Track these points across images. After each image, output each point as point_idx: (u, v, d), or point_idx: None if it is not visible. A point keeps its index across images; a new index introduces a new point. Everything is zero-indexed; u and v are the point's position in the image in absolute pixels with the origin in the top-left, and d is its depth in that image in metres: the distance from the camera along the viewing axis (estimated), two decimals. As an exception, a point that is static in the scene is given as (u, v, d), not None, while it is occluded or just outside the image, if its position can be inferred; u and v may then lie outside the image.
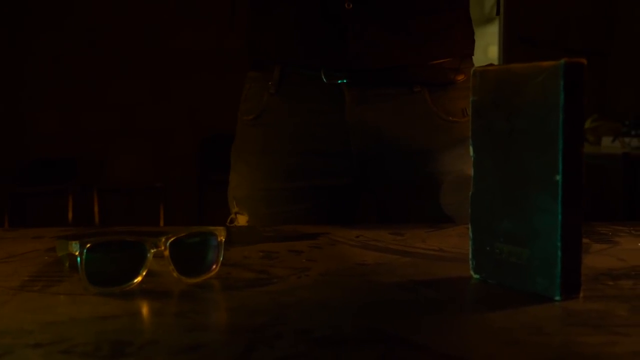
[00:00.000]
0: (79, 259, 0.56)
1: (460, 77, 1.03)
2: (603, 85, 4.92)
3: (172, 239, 0.59)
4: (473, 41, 1.08)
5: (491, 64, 0.62)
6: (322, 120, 1.02)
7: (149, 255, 0.58)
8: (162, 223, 5.03)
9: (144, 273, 0.58)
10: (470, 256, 0.62)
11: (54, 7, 5.15)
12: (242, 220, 1.06)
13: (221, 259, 0.62)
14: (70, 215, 4.94)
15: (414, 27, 1.00)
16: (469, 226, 0.62)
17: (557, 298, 0.53)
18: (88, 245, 0.56)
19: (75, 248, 0.56)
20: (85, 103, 5.21)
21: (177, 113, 5.23)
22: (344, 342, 0.45)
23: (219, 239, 0.62)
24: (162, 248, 0.58)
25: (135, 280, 0.58)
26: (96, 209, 5.02)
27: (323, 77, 1.00)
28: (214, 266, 0.62)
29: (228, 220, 1.08)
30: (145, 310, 0.54)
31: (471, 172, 0.99)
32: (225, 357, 0.42)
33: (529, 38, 4.86)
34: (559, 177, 0.53)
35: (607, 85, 4.94)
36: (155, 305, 0.56)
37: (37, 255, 0.75)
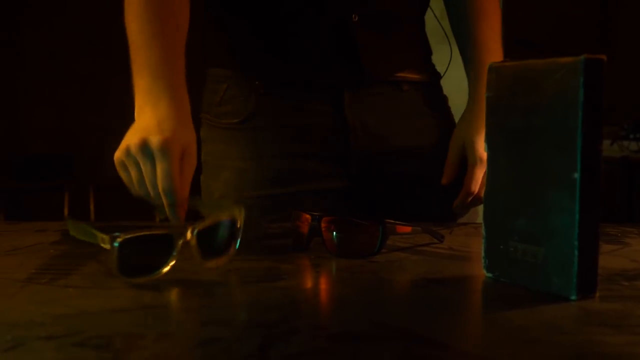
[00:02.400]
0: (113, 251, 0.57)
1: (437, 77, 1.12)
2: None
3: (199, 229, 0.61)
4: (430, 49, 1.14)
5: (507, 59, 0.62)
6: (320, 121, 1.01)
7: (177, 245, 0.60)
8: (157, 218, 5.01)
9: (172, 263, 0.59)
10: (483, 254, 0.61)
11: (51, 3, 5.13)
12: None
13: (239, 240, 0.66)
14: (66, 211, 4.92)
15: (403, 35, 1.06)
16: (482, 224, 0.61)
17: (573, 297, 0.53)
18: (120, 239, 0.57)
19: (107, 241, 0.58)
20: (81, 100, 5.19)
21: (174, 110, 5.21)
22: (362, 339, 0.44)
23: (238, 225, 0.66)
24: (189, 238, 0.60)
25: (164, 270, 0.59)
26: (92, 206, 5.00)
27: (322, 79, 1.02)
28: (232, 249, 0.65)
29: None
30: (157, 303, 0.53)
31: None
32: (241, 352, 0.41)
33: (526, 40, 4.86)
34: (577, 175, 0.52)
35: (605, 88, 4.95)
36: (167, 298, 0.55)
37: (42, 248, 0.74)
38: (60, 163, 5.04)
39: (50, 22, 5.13)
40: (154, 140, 0.73)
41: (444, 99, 1.13)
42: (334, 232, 0.70)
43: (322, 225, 0.70)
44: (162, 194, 0.73)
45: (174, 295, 0.56)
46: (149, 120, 0.77)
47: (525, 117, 0.57)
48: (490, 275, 0.61)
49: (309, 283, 0.61)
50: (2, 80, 5.06)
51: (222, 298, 0.56)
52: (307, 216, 0.72)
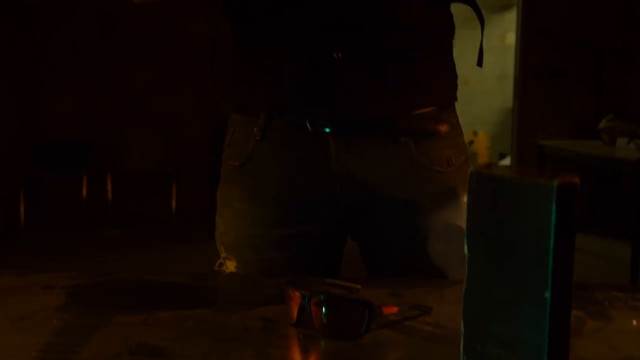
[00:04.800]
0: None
1: (444, 128, 1.03)
2: (620, 85, 4.87)
3: None
4: (455, 87, 1.09)
5: (490, 164, 0.63)
6: (308, 168, 1.02)
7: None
8: (173, 207, 5.08)
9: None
10: (461, 351, 0.64)
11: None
12: (230, 265, 1.08)
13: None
14: (84, 198, 5.01)
15: (398, 76, 0.99)
16: (462, 320, 0.64)
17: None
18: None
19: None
20: (100, 88, 5.24)
21: (189, 100, 5.25)
22: None
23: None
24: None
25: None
26: (109, 194, 5.07)
27: (308, 125, 0.99)
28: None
29: (217, 264, 1.10)
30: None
31: (459, 221, 1.01)
32: None
33: (546, 32, 4.80)
34: (547, 295, 0.54)
35: (624, 84, 4.89)
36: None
37: (46, 317, 0.78)
38: (78, 151, 5.11)
39: (69, 11, 5.16)
40: None
41: (459, 147, 1.06)
42: (322, 312, 0.72)
43: (312, 304, 0.73)
44: None
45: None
46: None
47: (502, 229, 0.59)
48: (468, 371, 0.63)
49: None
50: (22, 69, 5.12)
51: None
52: (298, 294, 0.75)
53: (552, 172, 0.57)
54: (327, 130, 0.99)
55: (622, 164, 3.72)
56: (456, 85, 1.09)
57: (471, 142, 8.35)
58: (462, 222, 1.03)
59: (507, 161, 7.42)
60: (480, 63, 1.10)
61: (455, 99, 1.09)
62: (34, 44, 5.17)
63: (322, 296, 0.73)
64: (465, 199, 1.05)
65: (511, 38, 7.63)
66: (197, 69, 5.21)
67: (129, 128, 5.21)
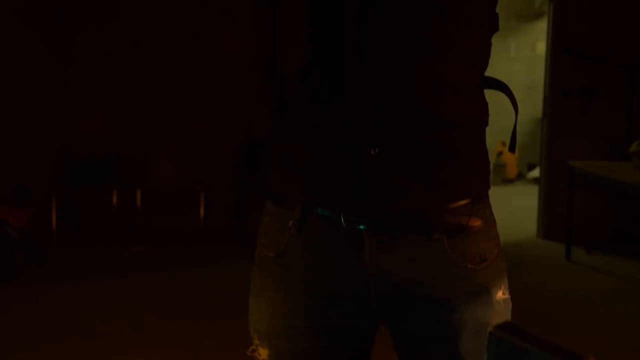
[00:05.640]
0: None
1: (477, 222, 1.02)
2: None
3: None
4: (489, 176, 1.07)
5: (509, 325, 0.63)
6: (341, 264, 1.02)
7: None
8: (202, 222, 5.12)
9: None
10: None
11: (100, 9, 5.24)
12: (263, 353, 1.09)
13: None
14: (114, 214, 5.08)
15: (434, 171, 0.98)
16: None
17: None
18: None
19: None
20: (129, 104, 5.32)
21: (218, 116, 5.30)
22: None
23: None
24: None
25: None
26: (139, 209, 5.14)
27: (342, 221, 1.00)
28: None
29: (249, 350, 1.12)
30: None
31: (491, 320, 1.01)
32: None
33: (576, 50, 4.73)
34: None
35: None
36: None
37: None
38: (109, 167, 5.18)
39: (98, 27, 5.24)
40: None
41: (492, 240, 1.05)
42: None
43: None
44: None
45: None
46: None
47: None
48: None
49: None
50: (53, 86, 5.21)
51: None
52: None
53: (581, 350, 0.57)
54: (362, 227, 0.99)
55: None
56: (489, 173, 1.08)
57: (500, 154, 8.29)
58: (494, 320, 1.03)
59: (536, 172, 7.33)
60: (512, 149, 1.10)
61: (489, 188, 1.08)
62: (64, 61, 5.26)
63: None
64: (497, 295, 1.06)
65: (541, 47, 7.54)
66: (225, 85, 5.27)
67: (157, 144, 5.27)
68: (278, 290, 1.07)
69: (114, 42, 5.24)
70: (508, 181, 8.29)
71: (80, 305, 3.54)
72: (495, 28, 1.05)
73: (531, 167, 8.30)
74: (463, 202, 1.02)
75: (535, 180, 5.82)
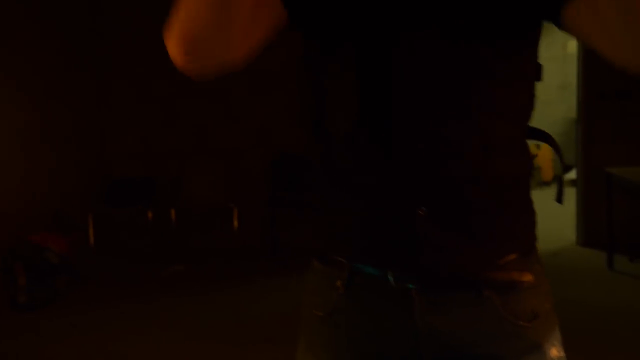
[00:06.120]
0: None
1: (528, 278, 1.00)
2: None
3: None
4: (535, 228, 1.05)
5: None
6: (391, 324, 1.01)
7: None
8: (236, 239, 5.16)
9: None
10: None
11: (133, 29, 5.30)
12: None
13: None
14: (149, 234, 5.13)
15: (483, 227, 0.97)
16: None
17: None
18: None
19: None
20: (160, 124, 5.37)
21: (248, 132, 5.32)
22: None
23: None
24: None
25: None
26: (174, 229, 5.18)
27: (391, 280, 0.98)
28: None
29: None
30: None
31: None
32: None
33: (606, 93, 4.65)
34: None
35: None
36: None
37: None
38: (143, 188, 5.24)
39: (132, 47, 5.31)
40: None
41: (544, 295, 1.03)
42: None
43: None
44: None
45: None
46: None
47: None
48: None
49: None
50: (86, 109, 5.28)
51: None
52: None
53: None
54: (411, 286, 0.98)
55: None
56: (536, 225, 1.06)
57: (534, 156, 8.18)
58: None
59: (572, 174, 7.21)
60: (560, 199, 1.08)
61: (536, 239, 1.06)
62: (98, 84, 5.33)
63: None
64: (552, 353, 1.03)
65: (572, 46, 7.42)
66: (256, 101, 5.29)
67: (190, 162, 5.32)
68: (326, 350, 1.06)
69: (144, 62, 5.29)
70: (544, 184, 8.17)
71: (120, 329, 3.58)
72: (538, 78, 1.03)
73: (567, 169, 8.17)
74: (512, 258, 1.00)
75: (572, 182, 5.70)
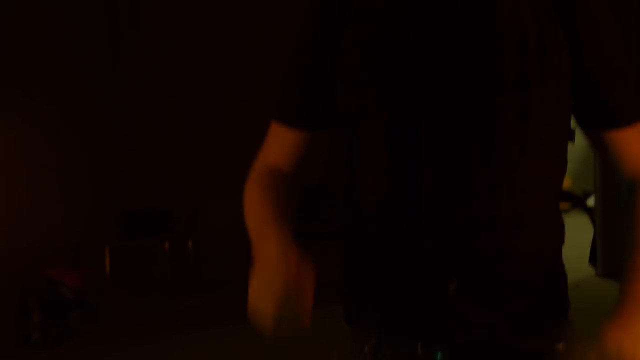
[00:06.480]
0: None
1: (559, 346, 0.99)
2: None
3: None
4: (567, 293, 1.04)
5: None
6: None
7: None
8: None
9: None
10: None
11: (151, 60, 5.36)
12: None
13: None
14: (166, 266, 5.13)
15: (514, 303, 0.97)
16: None
17: None
18: None
19: None
20: (176, 154, 5.40)
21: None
22: None
23: None
24: None
25: None
26: (191, 261, 5.18)
27: (419, 350, 0.99)
28: None
29: None
30: None
31: None
32: None
33: None
34: None
35: None
36: None
37: None
38: (160, 218, 5.26)
39: (149, 78, 5.36)
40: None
41: None
42: None
43: None
44: None
45: None
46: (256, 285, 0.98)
47: None
48: None
49: None
50: (104, 139, 5.33)
51: None
52: None
53: None
54: (438, 355, 0.98)
55: None
56: (567, 290, 1.04)
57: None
58: None
59: (591, 201, 7.11)
60: (593, 260, 1.07)
61: (570, 306, 1.04)
62: (114, 116, 5.39)
63: None
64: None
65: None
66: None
67: (208, 192, 5.33)
68: None
69: (161, 93, 5.34)
70: (563, 211, 8.09)
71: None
72: (571, 138, 1.04)
73: (586, 195, 8.09)
74: (544, 329, 1.00)
75: (590, 210, 5.62)
